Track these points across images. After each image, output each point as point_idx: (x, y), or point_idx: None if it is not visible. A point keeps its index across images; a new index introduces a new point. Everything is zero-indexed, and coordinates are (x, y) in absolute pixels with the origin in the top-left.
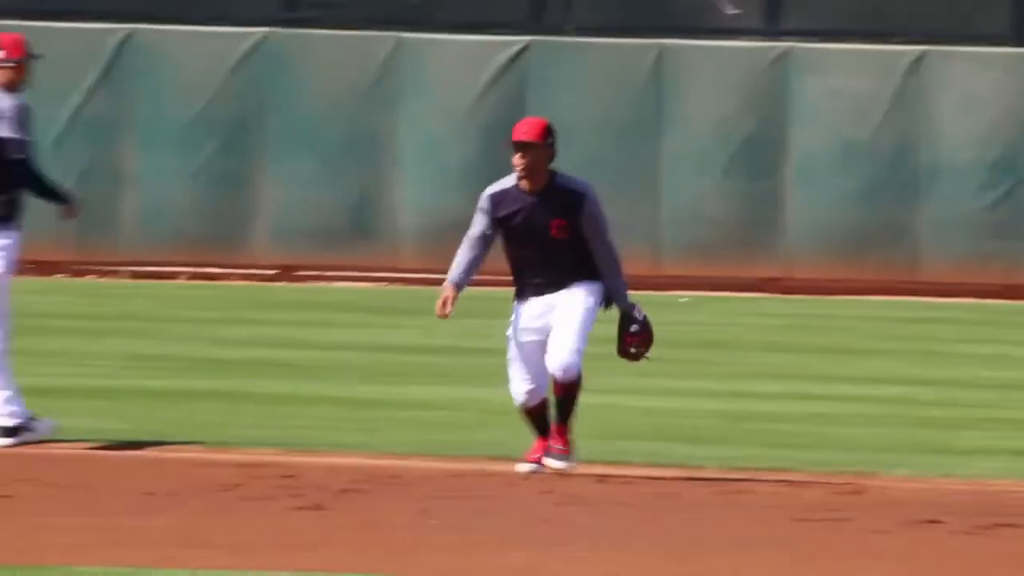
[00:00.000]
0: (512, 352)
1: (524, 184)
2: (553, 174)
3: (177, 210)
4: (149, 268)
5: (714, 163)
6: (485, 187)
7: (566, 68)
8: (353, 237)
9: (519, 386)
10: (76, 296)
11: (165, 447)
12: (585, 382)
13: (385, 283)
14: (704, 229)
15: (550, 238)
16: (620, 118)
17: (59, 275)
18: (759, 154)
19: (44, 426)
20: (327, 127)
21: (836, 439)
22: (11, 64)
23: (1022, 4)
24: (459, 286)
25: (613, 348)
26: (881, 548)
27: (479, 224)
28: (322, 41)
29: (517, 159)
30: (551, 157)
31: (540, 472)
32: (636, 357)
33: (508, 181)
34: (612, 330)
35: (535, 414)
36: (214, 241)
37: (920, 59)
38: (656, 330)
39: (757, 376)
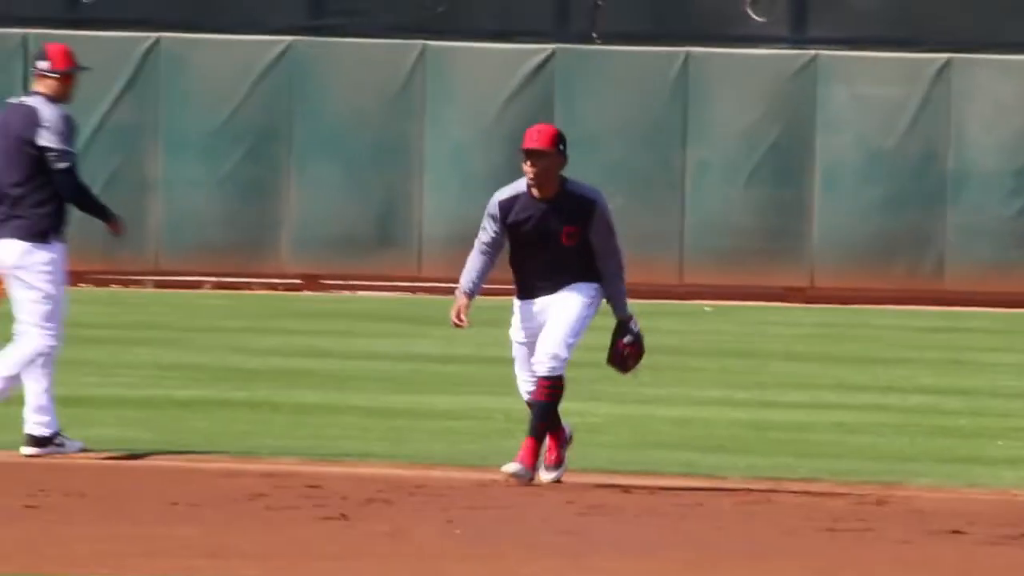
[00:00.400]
0: (515, 351)
1: (535, 191)
2: (564, 181)
3: (202, 219)
4: (173, 277)
5: (739, 171)
6: None
7: (592, 76)
8: (378, 246)
9: (526, 385)
10: (100, 306)
11: (190, 457)
12: (600, 393)
13: (410, 292)
14: (729, 238)
15: (560, 245)
16: (645, 126)
17: (83, 284)
18: (785, 162)
19: (73, 445)
20: (352, 135)
21: (861, 448)
22: (56, 75)
23: None
24: (471, 294)
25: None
26: (906, 558)
27: (489, 230)
28: (348, 49)
29: (528, 167)
30: (562, 164)
31: (560, 474)
32: (625, 368)
33: (519, 187)
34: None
35: None
36: (239, 250)
37: (946, 67)
38: (681, 340)
39: (781, 385)
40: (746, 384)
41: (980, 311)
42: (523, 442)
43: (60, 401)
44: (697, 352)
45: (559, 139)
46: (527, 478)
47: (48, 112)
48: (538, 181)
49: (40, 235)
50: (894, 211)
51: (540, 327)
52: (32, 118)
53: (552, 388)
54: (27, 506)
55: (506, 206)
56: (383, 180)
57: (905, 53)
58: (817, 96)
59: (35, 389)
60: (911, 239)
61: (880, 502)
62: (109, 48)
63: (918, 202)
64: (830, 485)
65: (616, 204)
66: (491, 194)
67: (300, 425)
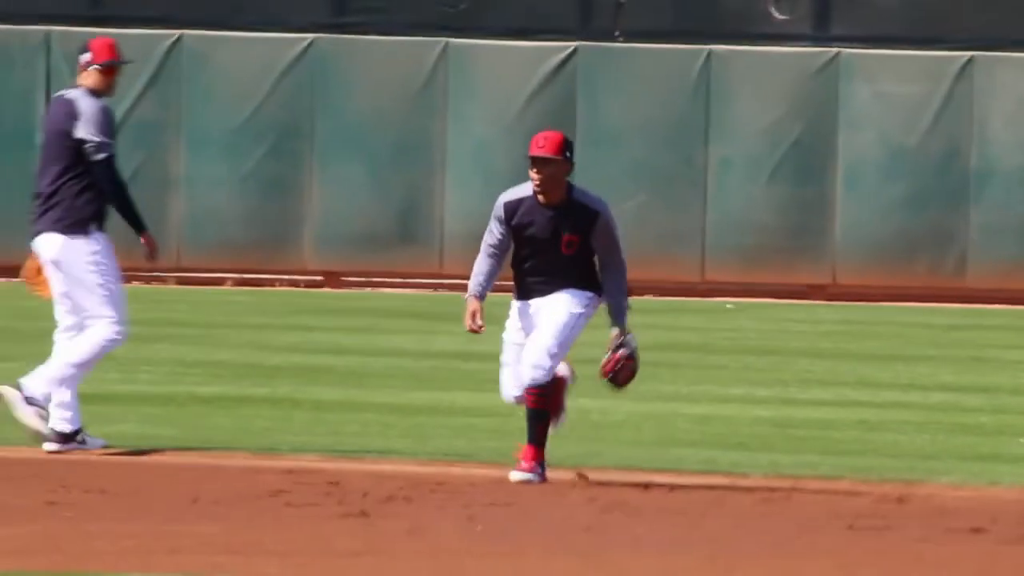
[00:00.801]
0: (505, 354)
1: (541, 198)
2: (570, 188)
3: (224, 216)
4: (195, 274)
5: (762, 169)
6: None
7: (614, 73)
8: (400, 243)
9: (505, 393)
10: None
11: (212, 453)
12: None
13: (431, 289)
14: (751, 235)
15: (559, 253)
16: (668, 124)
17: None
18: (807, 160)
19: (95, 443)
20: (374, 133)
21: (882, 446)
22: (98, 68)
23: None
24: (482, 296)
25: (659, 356)
26: (927, 556)
27: (495, 231)
28: (370, 46)
29: (534, 174)
30: (568, 171)
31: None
32: (617, 382)
33: (525, 189)
34: (662, 336)
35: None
36: (261, 247)
37: (969, 64)
38: (703, 337)
39: (803, 383)
40: (768, 381)
41: (1002, 308)
42: (523, 449)
43: (82, 398)
44: (719, 349)
45: (566, 146)
46: (538, 482)
47: (86, 104)
48: (544, 188)
49: (78, 226)
50: (916, 209)
51: (534, 324)
52: (70, 110)
53: (540, 396)
54: (49, 503)
55: (511, 208)
56: (405, 177)
57: (927, 51)
58: (839, 94)
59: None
60: (933, 237)
61: (901, 500)
62: (132, 45)
63: (940, 200)
64: (851, 483)
65: (639, 201)
66: None
67: (321, 422)
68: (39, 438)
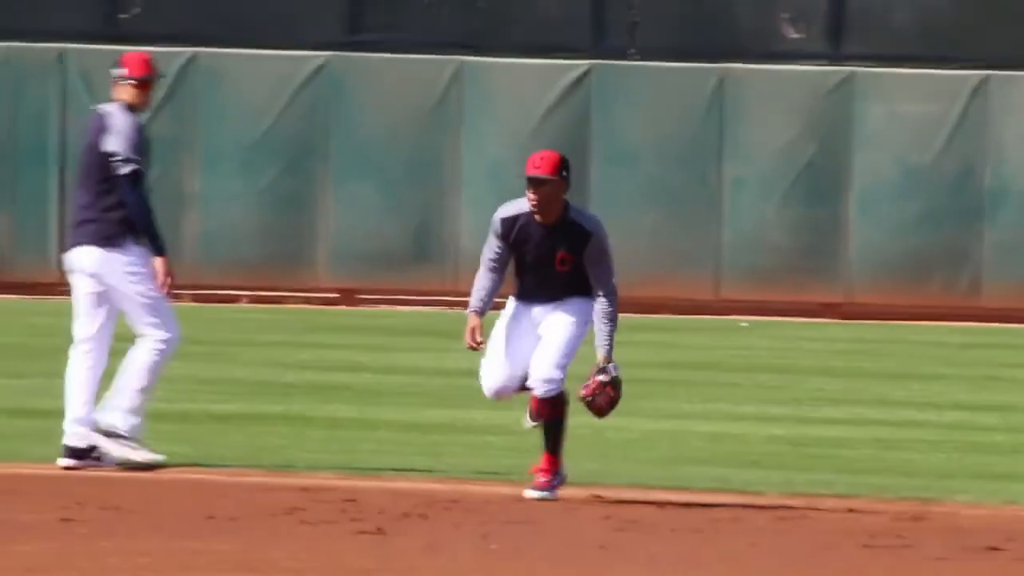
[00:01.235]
0: (491, 348)
1: (538, 217)
2: (567, 207)
3: (239, 233)
4: (210, 291)
5: (776, 188)
6: None
7: (628, 92)
8: (414, 261)
9: (486, 385)
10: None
11: (227, 471)
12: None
13: (446, 307)
14: (765, 254)
15: (555, 269)
16: (682, 142)
17: None
18: (821, 179)
19: (110, 459)
20: (389, 151)
21: (898, 464)
22: (133, 82)
23: None
24: (482, 312)
25: (673, 374)
26: (943, 574)
27: (493, 247)
28: (384, 65)
29: (531, 194)
30: (565, 190)
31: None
32: (596, 407)
33: (522, 206)
34: (675, 354)
35: (507, 399)
36: (275, 264)
37: (984, 83)
38: (717, 355)
39: (818, 401)
40: (782, 400)
41: (1017, 327)
42: (541, 459)
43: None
44: (733, 368)
45: (562, 165)
46: (554, 495)
47: (118, 119)
48: (540, 208)
49: (112, 239)
50: (930, 228)
51: (524, 335)
52: (103, 124)
53: (554, 407)
54: (63, 519)
55: (508, 224)
56: (419, 195)
57: (942, 70)
58: (854, 113)
59: (76, 400)
60: (947, 255)
61: (917, 518)
62: None
63: (955, 219)
64: (867, 501)
65: (648, 222)
66: None
67: (336, 439)
68: (149, 464)
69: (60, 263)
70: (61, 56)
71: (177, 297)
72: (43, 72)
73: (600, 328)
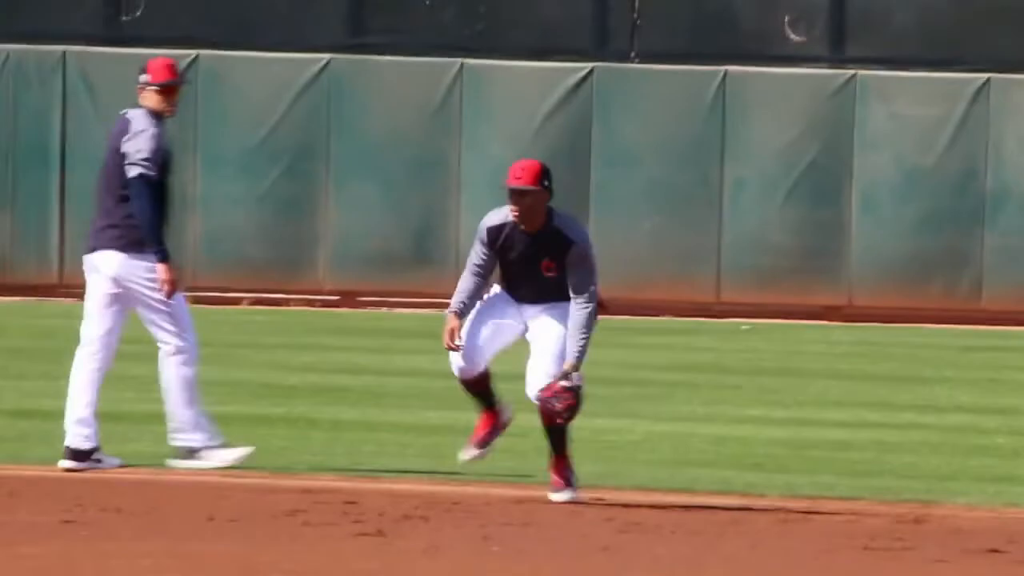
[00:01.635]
0: (468, 322)
1: (521, 227)
2: (551, 214)
3: (240, 235)
4: (212, 293)
5: (777, 190)
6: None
7: (630, 94)
8: (415, 263)
9: (456, 356)
10: (138, 322)
11: (228, 472)
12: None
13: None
14: (767, 256)
15: (541, 276)
16: (684, 144)
17: None
18: (823, 181)
19: (111, 462)
20: (391, 153)
21: (899, 467)
22: (156, 88)
23: None
24: (462, 314)
25: (675, 376)
26: None
27: (479, 252)
28: (386, 67)
29: (513, 206)
30: (547, 199)
31: (486, 453)
32: (552, 412)
33: (506, 214)
34: (677, 357)
35: (475, 387)
36: (277, 267)
37: (985, 86)
38: (718, 357)
39: (819, 404)
40: (784, 402)
41: (1018, 330)
42: (551, 464)
43: (98, 417)
44: (734, 370)
45: (543, 175)
46: (574, 494)
47: (139, 123)
48: (523, 218)
49: (136, 245)
50: (932, 230)
51: (502, 323)
52: (124, 128)
53: (553, 414)
54: (64, 521)
55: (493, 233)
56: (420, 198)
57: (944, 73)
58: (855, 115)
59: (79, 401)
60: (949, 258)
61: (918, 520)
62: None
63: (956, 221)
64: (868, 503)
65: (649, 225)
66: None
67: (337, 441)
68: (241, 458)
69: (61, 265)
70: (63, 58)
71: None
72: (45, 74)
73: (572, 335)
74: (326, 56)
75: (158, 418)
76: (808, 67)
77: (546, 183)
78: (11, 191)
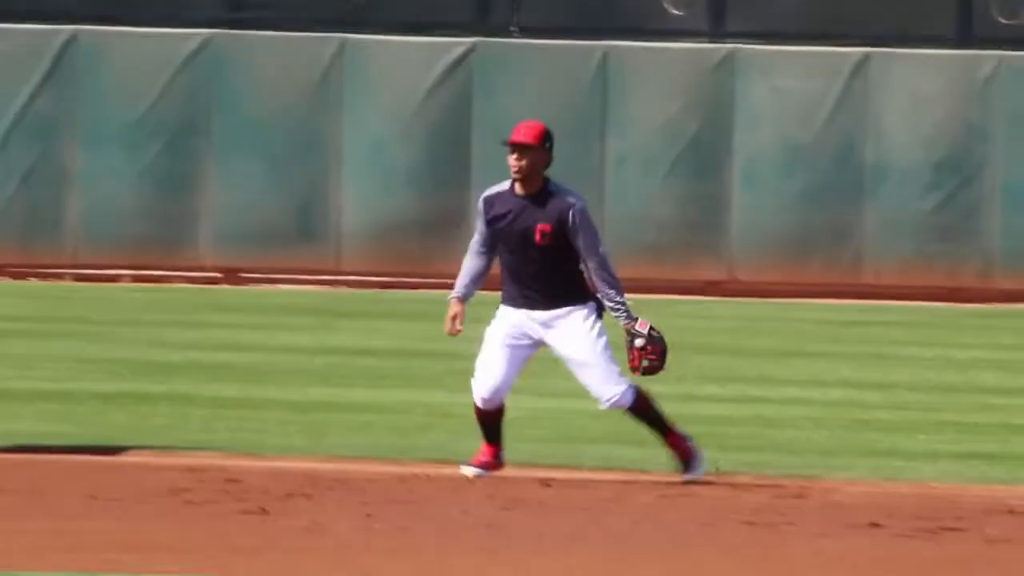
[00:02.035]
0: (484, 352)
1: (518, 187)
2: (547, 181)
3: (121, 212)
4: (92, 271)
5: (659, 165)
6: (430, 190)
7: (511, 70)
8: (297, 239)
9: (480, 387)
10: (19, 298)
11: (111, 451)
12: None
13: (329, 286)
14: (649, 231)
15: (533, 244)
16: (566, 120)
17: (1, 278)
18: (704, 156)
19: None
20: (272, 129)
21: (780, 442)
22: None
23: (966, 7)
24: (464, 298)
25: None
26: (824, 551)
27: (478, 229)
28: (267, 42)
29: (513, 160)
30: (547, 162)
31: (485, 476)
32: (650, 370)
33: (503, 184)
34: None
35: (489, 419)
36: (158, 243)
37: (864, 61)
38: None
39: (701, 379)
40: (665, 378)
41: (899, 304)
42: (671, 446)
43: None
44: (617, 346)
45: (546, 136)
46: (703, 471)
47: None
48: (522, 175)
49: None
50: (813, 205)
51: (518, 343)
52: None
53: (635, 408)
54: None
55: (489, 202)
56: (302, 174)
57: (823, 47)
58: (736, 90)
59: None
60: (830, 232)
61: (799, 495)
62: (27, 40)
63: (836, 196)
64: (750, 478)
65: None
66: (411, 187)
67: (220, 419)
68: None
69: None
70: None
71: (58, 276)
72: None
73: (607, 299)
74: (206, 31)
75: (40, 396)
76: (688, 42)
77: (547, 144)
78: None
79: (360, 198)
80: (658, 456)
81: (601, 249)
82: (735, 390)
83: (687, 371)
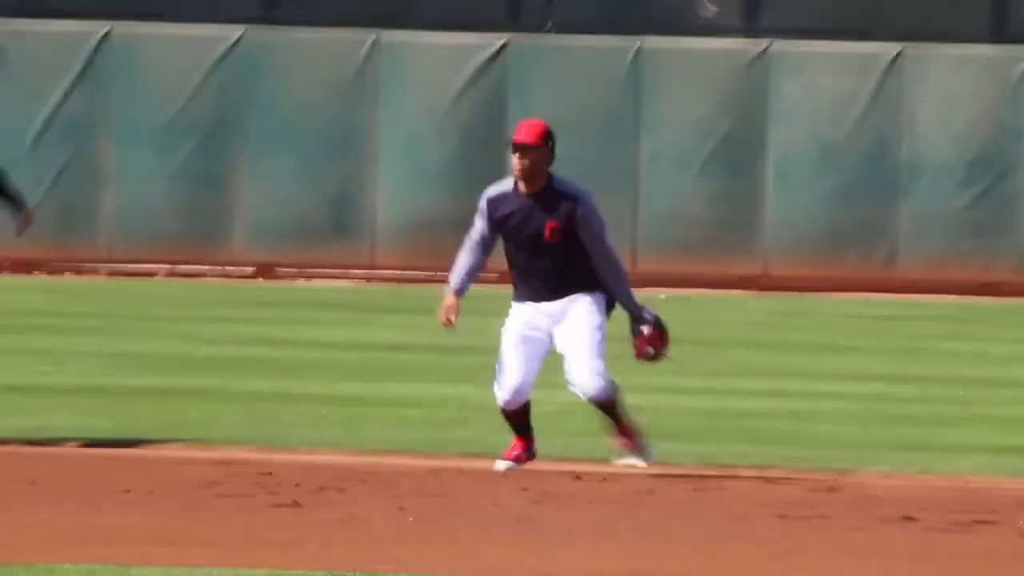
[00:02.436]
0: (502, 355)
1: (522, 186)
2: (551, 177)
3: (155, 209)
4: (127, 266)
5: (692, 162)
6: (464, 186)
7: (545, 66)
8: (332, 235)
9: (502, 387)
10: (54, 294)
11: (145, 445)
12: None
13: (364, 281)
14: (683, 228)
15: (543, 242)
16: (599, 116)
17: (37, 273)
18: (737, 153)
19: None
20: (306, 125)
21: (814, 436)
22: None
23: (1001, 4)
24: (460, 292)
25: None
26: (858, 545)
27: (478, 227)
28: (301, 39)
29: (516, 160)
30: (550, 160)
31: (517, 469)
32: (654, 358)
33: (507, 183)
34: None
35: (516, 417)
36: (192, 240)
37: (899, 58)
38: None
39: (735, 373)
40: (700, 372)
41: (932, 300)
42: (618, 436)
43: (14, 389)
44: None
45: (548, 135)
46: (647, 456)
47: None
48: (525, 174)
49: None
50: (846, 201)
51: (533, 337)
52: None
53: (607, 403)
54: None
55: (493, 202)
56: (337, 170)
57: (858, 44)
58: (769, 87)
59: None
60: (864, 229)
61: (833, 489)
62: (61, 38)
63: (870, 192)
64: (783, 471)
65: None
66: (445, 184)
67: (254, 413)
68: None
69: None
70: None
71: (93, 272)
72: None
73: (616, 289)
74: (241, 28)
75: (74, 390)
76: (722, 39)
77: (550, 143)
78: None
79: (394, 194)
80: (690, 450)
81: (608, 241)
82: (768, 384)
83: (722, 365)
